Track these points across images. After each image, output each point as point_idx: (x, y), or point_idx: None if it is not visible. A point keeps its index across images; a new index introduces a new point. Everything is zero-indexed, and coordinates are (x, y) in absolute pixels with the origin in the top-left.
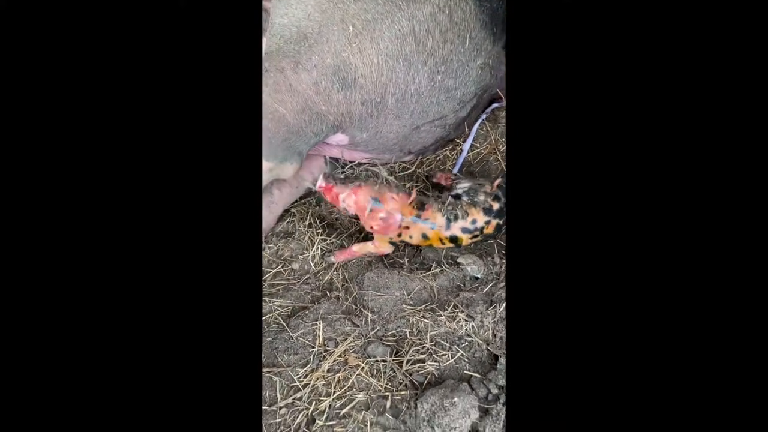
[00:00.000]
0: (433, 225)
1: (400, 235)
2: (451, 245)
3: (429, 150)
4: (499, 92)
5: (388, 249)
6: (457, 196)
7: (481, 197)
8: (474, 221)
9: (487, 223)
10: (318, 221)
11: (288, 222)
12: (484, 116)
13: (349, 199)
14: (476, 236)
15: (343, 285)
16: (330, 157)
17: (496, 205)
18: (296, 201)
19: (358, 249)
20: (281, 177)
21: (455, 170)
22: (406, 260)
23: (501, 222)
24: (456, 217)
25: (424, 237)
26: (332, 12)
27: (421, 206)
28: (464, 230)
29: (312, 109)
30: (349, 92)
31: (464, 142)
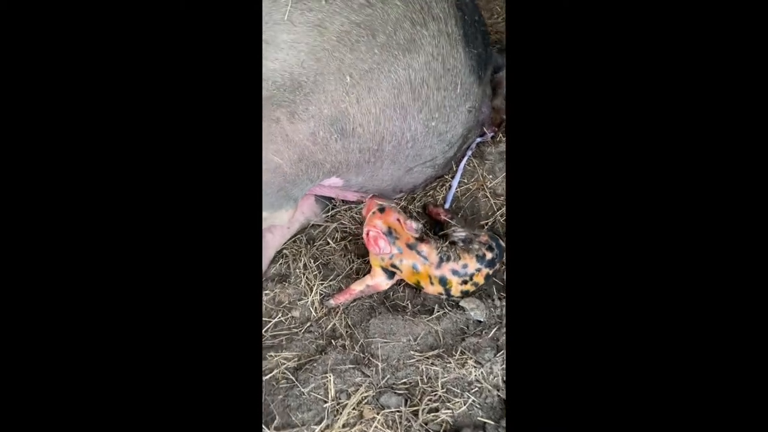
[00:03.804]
0: (426, 260)
1: (391, 257)
2: (441, 290)
3: (418, 188)
4: (483, 127)
5: (382, 278)
6: (453, 243)
7: (476, 246)
8: (465, 266)
9: (478, 270)
10: (312, 261)
11: (281, 264)
12: (470, 153)
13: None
14: (465, 282)
15: (347, 332)
16: (320, 196)
17: (489, 255)
18: (287, 240)
19: (356, 286)
20: (276, 224)
21: (446, 205)
22: (408, 303)
23: (490, 272)
24: (449, 258)
25: (415, 268)
26: (327, 61)
27: (420, 240)
28: (454, 272)
29: (309, 159)
30: (347, 142)
31: (452, 178)
